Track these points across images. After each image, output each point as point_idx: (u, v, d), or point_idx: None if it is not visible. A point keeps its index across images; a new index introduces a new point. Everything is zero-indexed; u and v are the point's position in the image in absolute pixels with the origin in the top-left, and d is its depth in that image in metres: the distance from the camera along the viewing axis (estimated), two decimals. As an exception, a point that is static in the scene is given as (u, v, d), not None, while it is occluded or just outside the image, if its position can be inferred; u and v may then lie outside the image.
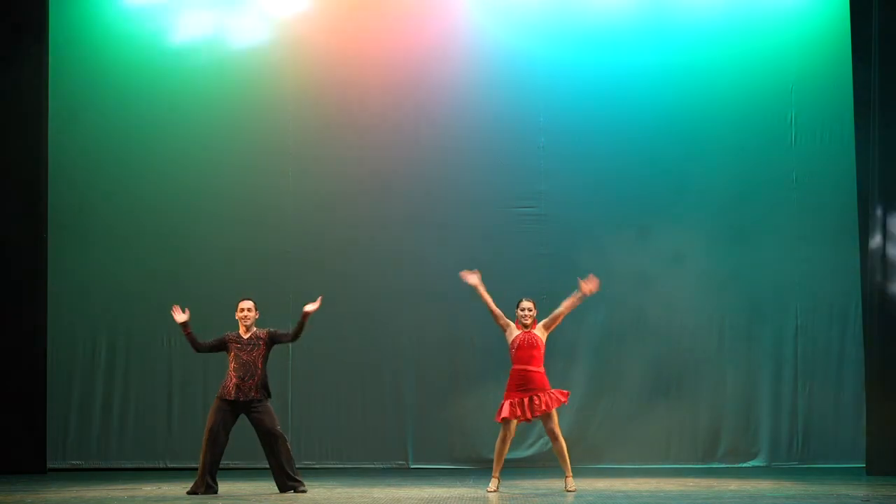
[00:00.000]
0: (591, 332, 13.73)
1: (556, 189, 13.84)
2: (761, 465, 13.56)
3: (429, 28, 13.98)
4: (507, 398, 10.62)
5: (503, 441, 10.67)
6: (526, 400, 10.54)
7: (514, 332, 10.78)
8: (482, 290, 10.91)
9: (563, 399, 10.64)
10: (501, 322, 10.84)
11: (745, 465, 13.55)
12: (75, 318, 13.55)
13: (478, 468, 13.29)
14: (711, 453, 13.65)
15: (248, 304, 10.81)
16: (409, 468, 13.33)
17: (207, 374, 13.62)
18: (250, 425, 11.00)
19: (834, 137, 13.85)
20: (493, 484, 10.72)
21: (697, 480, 11.78)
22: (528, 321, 10.77)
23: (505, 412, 10.58)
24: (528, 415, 10.55)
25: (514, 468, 13.32)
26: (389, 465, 13.52)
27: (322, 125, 13.88)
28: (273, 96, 13.85)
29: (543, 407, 10.53)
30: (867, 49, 12.88)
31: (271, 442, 10.74)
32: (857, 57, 13.20)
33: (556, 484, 11.38)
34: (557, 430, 10.65)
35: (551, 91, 13.88)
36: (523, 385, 10.57)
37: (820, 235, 13.77)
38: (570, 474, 10.78)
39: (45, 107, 13.33)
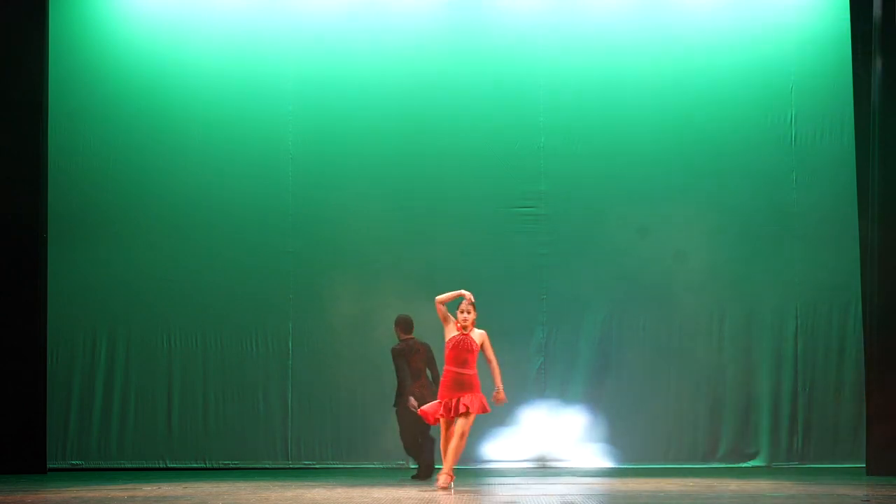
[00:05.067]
0: (591, 332, 13.74)
1: (556, 189, 13.85)
2: (761, 465, 13.57)
3: (429, 28, 13.99)
4: (439, 399, 10.76)
5: (445, 440, 10.81)
6: (454, 401, 10.65)
7: (452, 330, 10.79)
8: (452, 293, 10.89)
9: (487, 408, 10.77)
10: (440, 315, 10.82)
11: (745, 465, 13.56)
12: (75, 318, 13.55)
13: (477, 468, 13.30)
14: (711, 453, 13.66)
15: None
16: (409, 468, 13.32)
17: (207, 374, 13.64)
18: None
19: (834, 137, 13.87)
20: (444, 480, 10.66)
21: (697, 480, 11.78)
22: (467, 324, 10.74)
23: (436, 413, 10.76)
24: (452, 414, 10.65)
25: (514, 468, 13.34)
26: (389, 465, 13.52)
27: (322, 126, 13.88)
28: (273, 97, 13.85)
29: (467, 408, 10.63)
30: (867, 49, 12.87)
31: None
32: (857, 57, 13.20)
33: (556, 484, 11.38)
34: (467, 431, 10.70)
35: (551, 91, 13.89)
36: (455, 387, 10.68)
37: (820, 235, 13.78)
38: (448, 472, 10.69)
39: (45, 107, 13.32)
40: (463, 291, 10.79)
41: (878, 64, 12.65)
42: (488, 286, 13.66)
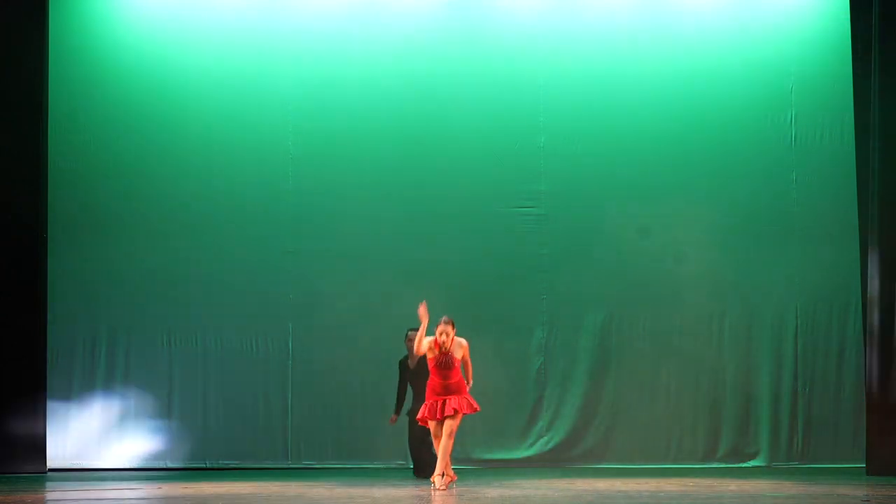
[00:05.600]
0: (592, 332, 13.74)
1: (556, 189, 13.85)
2: (761, 465, 13.57)
3: (429, 28, 13.99)
4: (427, 401, 10.98)
5: (434, 438, 11.02)
6: (440, 403, 10.89)
7: (433, 352, 10.95)
8: (425, 322, 10.99)
9: (475, 407, 10.98)
10: (425, 352, 11.02)
11: (745, 465, 13.56)
12: (75, 318, 13.54)
13: (475, 468, 13.30)
14: (711, 453, 13.66)
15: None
16: (409, 468, 13.31)
17: (207, 374, 13.63)
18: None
19: (834, 137, 13.87)
20: (440, 482, 10.81)
21: (697, 480, 11.78)
22: (447, 343, 10.92)
23: (422, 414, 11.02)
24: (440, 415, 10.88)
25: (514, 468, 13.34)
26: (389, 465, 13.52)
27: (322, 126, 13.87)
28: (273, 97, 13.84)
29: (454, 409, 10.84)
30: (867, 49, 12.87)
31: None
32: (857, 57, 13.20)
33: (556, 483, 11.38)
34: (454, 430, 10.89)
35: (551, 91, 13.89)
36: (441, 391, 10.93)
37: (820, 235, 13.78)
38: (443, 473, 10.82)
39: (45, 107, 13.31)
40: (422, 311, 10.85)
41: (877, 64, 12.64)
42: (488, 286, 13.69)
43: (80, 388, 13.54)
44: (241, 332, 13.66)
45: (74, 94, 13.67)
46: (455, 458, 13.44)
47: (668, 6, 14.03)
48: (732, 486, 11.19)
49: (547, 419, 13.70)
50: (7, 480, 11.98)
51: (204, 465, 13.49)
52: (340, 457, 13.61)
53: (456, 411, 10.83)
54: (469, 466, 13.37)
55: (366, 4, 13.97)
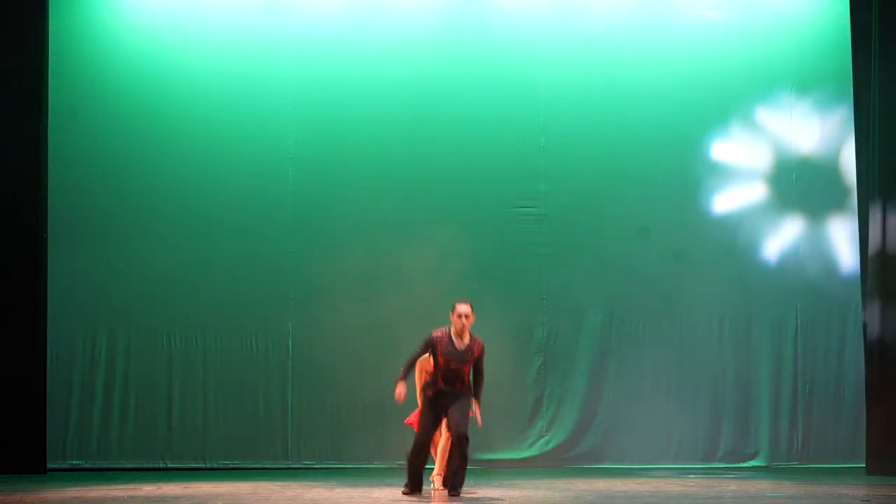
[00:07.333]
0: (591, 332, 13.74)
1: (556, 189, 13.85)
2: (761, 465, 13.57)
3: (429, 28, 13.99)
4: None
5: (433, 445, 10.91)
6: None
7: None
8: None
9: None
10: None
11: (745, 465, 13.56)
12: (75, 318, 13.53)
13: (475, 468, 13.30)
14: (711, 453, 13.66)
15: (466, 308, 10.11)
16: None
17: (207, 374, 13.62)
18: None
19: (834, 138, 13.87)
20: (440, 481, 10.79)
21: (697, 480, 11.79)
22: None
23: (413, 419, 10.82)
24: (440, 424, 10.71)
25: (514, 468, 13.34)
26: (389, 465, 13.51)
27: (322, 126, 13.87)
28: (273, 97, 13.84)
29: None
30: (867, 49, 12.88)
31: None
32: (857, 56, 13.21)
33: (556, 483, 11.39)
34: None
35: (551, 91, 13.89)
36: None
37: (820, 235, 13.78)
38: (440, 473, 10.76)
39: (45, 107, 13.31)
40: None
41: (877, 64, 12.66)
42: (489, 286, 13.66)
43: (80, 388, 13.54)
44: (241, 331, 13.66)
45: (74, 94, 13.66)
46: (455, 458, 13.47)
47: (668, 7, 14.02)
48: (732, 486, 11.20)
49: (547, 419, 13.70)
50: (7, 480, 11.98)
51: (204, 465, 13.49)
52: (340, 457, 13.61)
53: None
54: (469, 466, 13.34)
55: (366, 5, 13.97)
